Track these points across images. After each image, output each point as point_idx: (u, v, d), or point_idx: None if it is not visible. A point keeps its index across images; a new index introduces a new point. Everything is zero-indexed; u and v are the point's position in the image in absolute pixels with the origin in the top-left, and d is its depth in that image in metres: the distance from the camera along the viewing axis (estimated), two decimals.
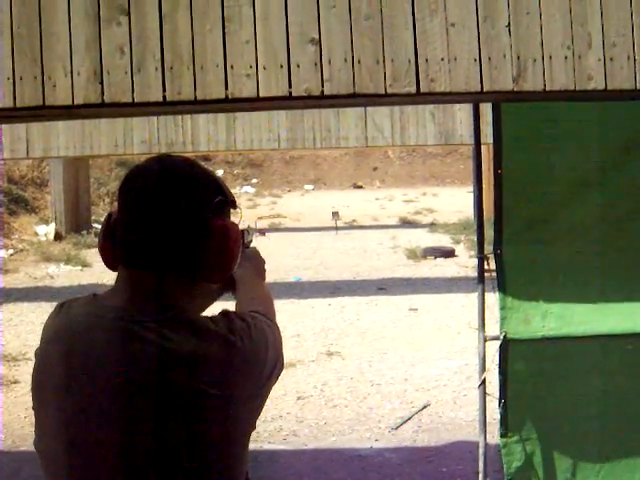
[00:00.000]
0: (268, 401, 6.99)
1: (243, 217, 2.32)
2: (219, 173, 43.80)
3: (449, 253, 19.31)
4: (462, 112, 12.92)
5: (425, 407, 8.26)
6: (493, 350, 4.31)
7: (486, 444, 4.36)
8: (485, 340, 4.28)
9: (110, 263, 2.08)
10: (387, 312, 13.12)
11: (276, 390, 7.43)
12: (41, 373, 2.02)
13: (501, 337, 4.18)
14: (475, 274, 15.78)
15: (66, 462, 1.95)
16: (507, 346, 4.19)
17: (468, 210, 27.73)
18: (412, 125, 13.03)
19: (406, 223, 28.43)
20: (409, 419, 7.90)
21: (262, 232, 24.43)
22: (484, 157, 26.82)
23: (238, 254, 2.10)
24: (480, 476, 4.36)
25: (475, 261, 16.02)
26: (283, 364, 2.17)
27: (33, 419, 2.05)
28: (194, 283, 2.03)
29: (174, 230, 1.96)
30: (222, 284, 2.44)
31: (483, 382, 4.33)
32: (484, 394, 4.34)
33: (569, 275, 4.17)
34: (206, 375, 1.88)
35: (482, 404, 4.35)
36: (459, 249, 20.10)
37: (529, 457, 4.31)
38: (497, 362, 4.24)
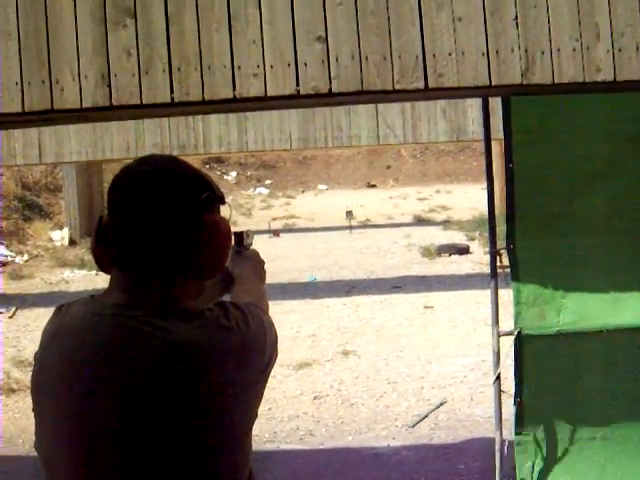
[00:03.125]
0: (284, 401, 7.00)
1: (232, 213, 2.28)
2: (232, 175, 43.85)
3: (464, 250, 19.27)
4: (474, 108, 12.86)
5: (442, 404, 8.24)
6: (509, 346, 4.29)
7: (502, 440, 4.34)
8: (499, 335, 4.26)
9: (103, 266, 2.09)
10: (402, 310, 13.09)
11: (292, 390, 7.43)
12: (40, 375, 2.02)
13: (515, 333, 4.16)
14: (489, 271, 15.67)
15: (65, 462, 1.95)
16: (522, 342, 4.16)
17: (482, 207, 27.50)
18: (424, 122, 12.98)
19: (420, 221, 28.40)
20: (426, 417, 7.88)
21: (276, 233, 24.45)
22: (496, 152, 26.66)
23: (229, 249, 2.12)
24: (497, 472, 4.34)
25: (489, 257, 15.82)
26: (277, 353, 2.14)
27: None
28: (188, 280, 2.04)
29: (163, 229, 1.98)
30: (223, 284, 2.53)
31: (498, 378, 4.30)
32: (499, 390, 4.32)
33: (583, 269, 4.14)
34: (204, 362, 1.89)
35: (497, 400, 4.33)
36: (474, 246, 20.05)
37: (543, 456, 4.28)
38: (513, 358, 4.22)
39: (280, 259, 19.34)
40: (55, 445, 1.97)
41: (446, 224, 25.96)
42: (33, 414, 2.05)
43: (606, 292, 4.12)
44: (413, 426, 7.64)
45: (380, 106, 12.76)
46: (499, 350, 4.28)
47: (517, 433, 4.25)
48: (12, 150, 13.81)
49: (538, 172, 4.12)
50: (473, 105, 12.83)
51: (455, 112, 12.95)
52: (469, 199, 33.01)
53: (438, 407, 8.16)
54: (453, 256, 18.75)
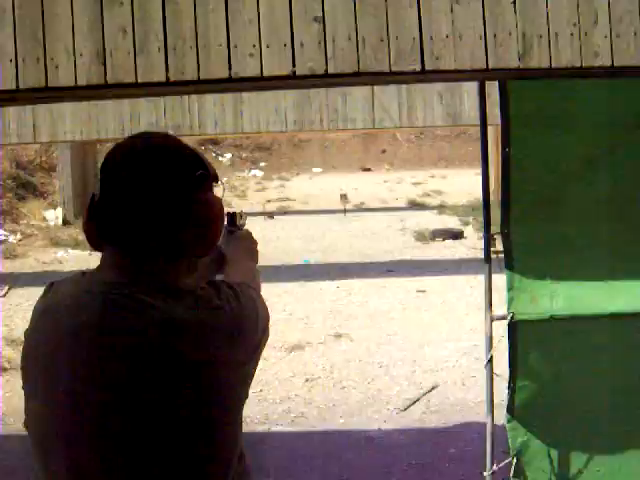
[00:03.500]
0: (276, 383, 6.99)
1: (226, 194, 2.23)
2: (227, 157, 43.80)
3: (458, 235, 19.27)
4: (470, 93, 12.85)
5: (433, 388, 8.25)
6: (502, 330, 4.29)
7: (494, 425, 4.33)
8: (492, 320, 4.25)
9: (95, 243, 2.08)
10: (395, 294, 13.10)
11: (284, 372, 7.43)
12: (30, 352, 2.03)
13: (509, 317, 4.15)
14: (483, 256, 15.63)
15: (54, 440, 1.95)
16: (515, 326, 4.16)
17: (476, 192, 27.54)
18: (420, 106, 12.95)
19: (415, 205, 28.38)
20: (417, 400, 7.89)
21: (271, 215, 24.43)
22: (492, 138, 26.65)
23: (222, 228, 2.13)
24: (487, 457, 4.34)
25: (482, 243, 15.86)
26: (269, 334, 2.15)
27: None
28: (180, 258, 2.04)
29: (155, 206, 1.97)
30: (216, 264, 2.54)
31: (490, 361, 4.29)
32: (491, 374, 4.31)
33: (577, 255, 4.13)
34: (195, 339, 1.89)
35: (489, 384, 4.32)
36: (468, 231, 20.05)
37: (535, 434, 4.29)
38: (506, 343, 4.22)
39: (274, 241, 19.32)
40: (45, 423, 1.97)
41: (440, 209, 25.95)
42: (23, 392, 2.05)
43: (600, 278, 4.11)
44: (405, 409, 7.66)
45: (376, 89, 12.74)
46: (492, 334, 4.27)
47: (509, 415, 4.25)
48: (6, 129, 13.77)
49: (534, 157, 4.10)
50: (470, 90, 12.81)
51: (451, 96, 12.92)
52: (464, 184, 32.97)
53: (430, 391, 8.17)
54: (447, 241, 18.75)
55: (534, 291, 4.14)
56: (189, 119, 12.81)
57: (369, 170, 47.23)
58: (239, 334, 1.99)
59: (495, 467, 4.30)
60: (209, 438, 1.93)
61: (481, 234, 17.38)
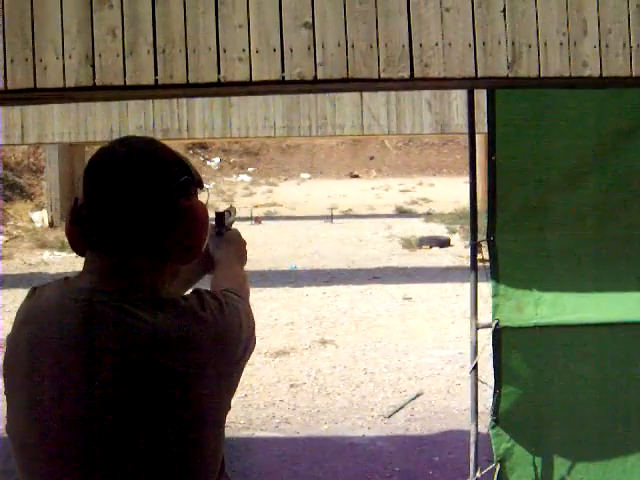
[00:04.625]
0: (261, 388, 6.96)
1: (209, 198, 2.30)
2: (215, 161, 43.79)
3: (444, 243, 19.30)
4: (459, 101, 12.90)
5: (418, 396, 8.25)
6: (487, 339, 4.30)
7: (477, 433, 4.34)
8: (477, 328, 4.26)
9: (78, 248, 2.07)
10: (381, 301, 13.11)
11: (269, 377, 7.40)
12: (12, 357, 2.00)
13: (493, 325, 4.16)
14: (467, 264, 15.68)
15: (36, 446, 1.94)
16: (500, 334, 4.17)
17: (464, 200, 27.56)
18: (408, 114, 13.00)
19: (402, 212, 28.43)
20: (402, 408, 7.89)
21: (258, 220, 24.42)
22: (480, 146, 26.66)
23: (206, 234, 2.08)
24: (471, 464, 4.35)
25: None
26: (255, 342, 2.14)
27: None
28: (164, 264, 2.02)
29: (139, 212, 1.95)
30: (203, 266, 2.54)
31: (475, 369, 4.30)
32: (476, 381, 4.32)
33: (562, 263, 4.15)
34: (178, 352, 1.88)
35: (474, 392, 4.33)
36: (455, 239, 20.09)
37: (519, 441, 4.30)
38: (491, 351, 4.23)
39: (261, 246, 19.32)
40: (26, 429, 1.95)
41: (428, 216, 26.00)
42: (5, 397, 2.02)
43: (585, 285, 4.13)
44: (389, 417, 7.65)
45: (365, 96, 12.79)
46: (477, 342, 4.28)
47: (493, 421, 4.26)
48: None
49: (520, 165, 4.12)
50: (458, 98, 12.86)
51: (440, 104, 12.98)
52: (451, 192, 33.07)
53: (414, 398, 8.17)
54: (434, 248, 18.77)
55: (519, 298, 4.15)
56: (178, 123, 12.84)
57: (357, 177, 47.30)
58: (222, 347, 1.97)
59: (479, 474, 4.30)
60: (194, 447, 1.92)
61: (468, 242, 17.41)
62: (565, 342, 4.21)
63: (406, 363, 9.54)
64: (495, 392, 4.25)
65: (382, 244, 20.09)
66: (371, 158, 50.11)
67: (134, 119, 12.89)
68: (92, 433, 1.87)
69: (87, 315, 1.90)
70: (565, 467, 4.33)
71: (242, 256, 2.63)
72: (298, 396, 8.34)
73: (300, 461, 6.59)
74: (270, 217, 27.65)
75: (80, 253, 2.06)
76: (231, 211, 2.80)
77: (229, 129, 12.92)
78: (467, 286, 14.28)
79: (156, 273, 2.00)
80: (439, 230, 21.91)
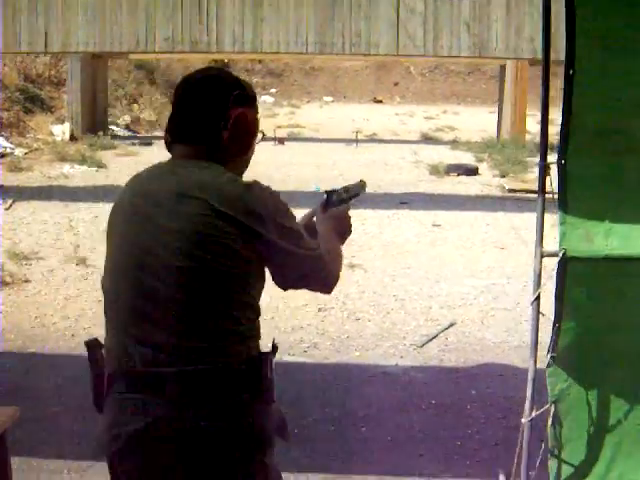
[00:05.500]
0: (287, 311, 6.70)
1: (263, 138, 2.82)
2: None
3: (472, 171, 18.91)
4: (499, 24, 12.41)
5: (451, 325, 7.97)
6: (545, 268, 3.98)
7: (536, 369, 4.02)
8: (542, 256, 3.92)
9: (167, 145, 2.74)
10: (410, 227, 12.81)
11: (296, 300, 7.09)
12: (113, 214, 2.70)
13: (560, 254, 3.81)
14: (498, 193, 15.45)
15: (117, 282, 2.60)
16: (566, 264, 3.83)
17: (490, 129, 27.20)
18: (446, 34, 12.52)
19: (427, 139, 28.00)
20: (435, 337, 7.61)
21: (281, 141, 24.05)
22: (510, 75, 26.23)
23: (252, 133, 2.71)
24: (527, 403, 4.02)
25: (498, 180, 15.73)
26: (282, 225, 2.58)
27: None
28: (222, 154, 2.65)
29: (204, 113, 2.65)
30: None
31: (537, 299, 3.97)
32: (537, 313, 3.98)
33: (637, 191, 3.79)
34: (210, 195, 2.48)
35: (535, 324, 3.99)
36: (482, 168, 19.68)
37: (577, 380, 3.99)
38: (554, 281, 3.88)
39: (286, 167, 18.99)
40: (112, 266, 2.64)
41: (454, 144, 25.52)
42: (106, 253, 2.69)
43: None
44: (422, 346, 7.38)
45: (402, 14, 12.31)
46: (540, 271, 3.94)
47: (551, 358, 3.93)
48: (17, 37, 13.35)
49: (600, 81, 3.73)
50: (499, 20, 12.38)
51: (479, 26, 12.48)
52: (477, 121, 32.52)
53: (447, 328, 7.89)
54: (461, 176, 18.39)
55: (588, 228, 3.80)
56: (207, 35, 12.38)
57: (380, 102, 46.68)
58: (242, 208, 2.50)
59: (534, 413, 4.00)
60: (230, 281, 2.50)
61: (496, 172, 17.04)
62: (636, 278, 3.87)
63: (437, 291, 9.25)
64: (555, 326, 3.92)
65: (408, 170, 19.72)
66: (395, 84, 49.41)
67: (162, 30, 12.44)
68: (164, 260, 2.49)
69: (165, 172, 2.64)
70: (622, 411, 4.02)
71: (343, 233, 3.00)
72: (326, 320, 8.08)
73: (330, 388, 6.34)
74: (293, 138, 27.24)
75: (168, 148, 2.73)
76: (340, 190, 3.09)
77: (260, 44, 12.47)
78: (497, 215, 14.05)
79: (217, 158, 2.63)
80: (466, 158, 21.47)
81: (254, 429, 2.51)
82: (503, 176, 18.19)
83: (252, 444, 2.51)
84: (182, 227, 2.44)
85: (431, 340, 7.54)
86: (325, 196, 3.03)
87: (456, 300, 8.88)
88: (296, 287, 2.75)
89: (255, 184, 2.54)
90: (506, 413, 5.71)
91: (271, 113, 35.96)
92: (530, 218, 14.06)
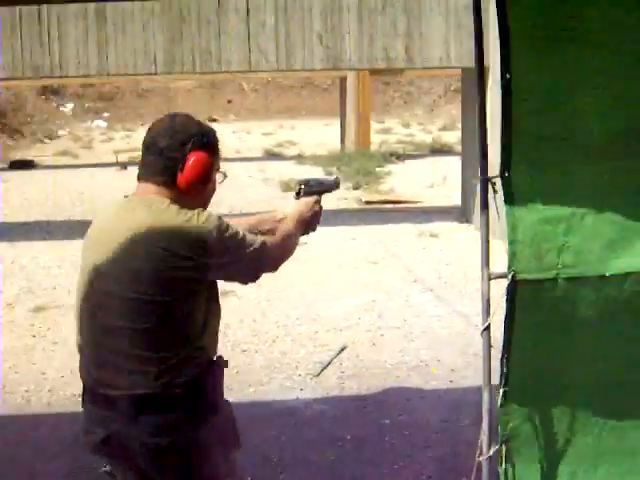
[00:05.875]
0: None
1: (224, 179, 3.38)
2: (69, 107, 42.11)
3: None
4: (351, 36, 12.18)
5: (343, 350, 7.61)
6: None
7: (490, 400, 3.67)
8: (490, 279, 3.58)
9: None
10: None
11: None
12: (84, 244, 3.14)
13: (509, 277, 3.48)
14: (356, 206, 15.02)
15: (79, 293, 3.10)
16: (515, 288, 3.49)
17: (331, 142, 27.05)
18: (299, 49, 12.19)
19: (272, 155, 27.69)
20: (329, 364, 7.24)
21: (124, 166, 23.29)
22: (354, 85, 25.94)
23: (204, 176, 3.11)
24: (484, 438, 3.66)
25: (354, 193, 15.28)
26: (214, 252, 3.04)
27: None
28: (178, 193, 3.08)
29: (162, 157, 3.07)
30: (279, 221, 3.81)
31: (487, 328, 3.62)
32: (489, 342, 3.62)
33: (589, 201, 3.50)
34: (154, 234, 2.95)
35: (486, 353, 3.62)
36: None
37: (528, 417, 3.66)
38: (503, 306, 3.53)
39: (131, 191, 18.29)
40: (78, 294, 3.10)
41: (299, 158, 25.27)
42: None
43: (617, 230, 3.50)
44: (318, 375, 7.00)
45: (252, 29, 11.94)
46: (489, 296, 3.59)
47: (503, 393, 3.59)
48: None
49: (539, 85, 3.44)
50: (351, 31, 12.16)
51: (332, 37, 12.21)
52: (314, 135, 32.36)
53: (339, 353, 7.54)
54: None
55: (540, 244, 3.49)
56: (49, 59, 11.69)
57: (215, 120, 46.19)
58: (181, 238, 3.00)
59: (492, 451, 3.64)
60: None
61: (348, 184, 16.64)
62: (588, 295, 3.56)
63: (319, 313, 8.89)
64: (504, 355, 3.57)
65: (259, 187, 19.36)
66: (229, 101, 49.04)
67: (2, 56, 11.67)
68: (112, 279, 2.98)
69: (121, 208, 3.11)
70: (576, 441, 3.70)
71: (301, 220, 3.73)
72: None
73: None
74: (135, 163, 26.47)
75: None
76: (310, 182, 3.85)
77: (106, 66, 11.84)
78: (361, 229, 13.66)
79: (174, 197, 3.07)
80: (315, 172, 21.20)
81: (191, 442, 2.99)
82: (356, 188, 18.00)
83: (192, 455, 3.00)
84: (134, 263, 2.91)
85: (326, 367, 7.16)
86: (297, 186, 3.70)
87: (340, 321, 8.53)
88: (259, 276, 3.38)
89: (201, 216, 3.02)
90: (429, 442, 5.38)
91: (107, 138, 35.09)
92: (393, 230, 13.77)
